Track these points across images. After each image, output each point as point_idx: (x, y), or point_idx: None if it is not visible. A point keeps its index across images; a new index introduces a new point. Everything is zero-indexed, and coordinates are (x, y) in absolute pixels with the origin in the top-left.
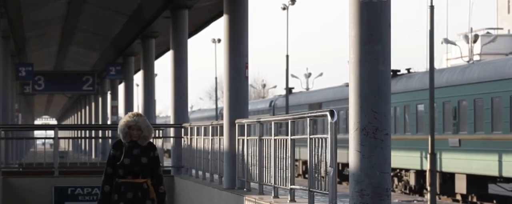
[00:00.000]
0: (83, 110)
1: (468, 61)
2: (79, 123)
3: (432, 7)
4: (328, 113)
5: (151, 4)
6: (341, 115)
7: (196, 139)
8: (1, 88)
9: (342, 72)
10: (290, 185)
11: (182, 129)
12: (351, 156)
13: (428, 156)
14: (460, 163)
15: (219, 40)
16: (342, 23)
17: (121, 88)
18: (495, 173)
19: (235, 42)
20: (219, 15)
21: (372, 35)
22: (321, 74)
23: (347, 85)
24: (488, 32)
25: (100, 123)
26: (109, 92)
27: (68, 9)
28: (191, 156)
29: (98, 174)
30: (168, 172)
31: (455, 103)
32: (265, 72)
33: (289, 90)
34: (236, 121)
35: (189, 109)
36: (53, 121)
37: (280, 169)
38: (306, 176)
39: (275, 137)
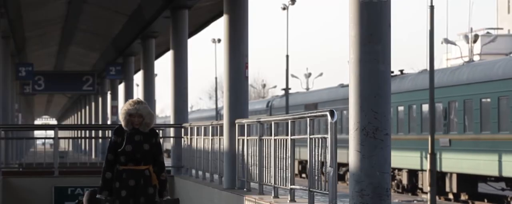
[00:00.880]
0: (83, 110)
1: (468, 61)
2: (79, 123)
3: (432, 7)
4: (328, 113)
5: (151, 4)
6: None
7: (196, 139)
8: (1, 88)
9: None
10: (290, 185)
11: (182, 129)
12: (351, 156)
13: (428, 156)
14: (451, 163)
15: (219, 40)
16: (342, 23)
17: (121, 88)
18: (484, 172)
19: (235, 42)
20: (219, 15)
21: (372, 35)
22: (321, 74)
23: (342, 86)
24: (488, 32)
25: (100, 123)
26: (109, 92)
27: (68, 9)
28: (191, 156)
29: (98, 174)
30: (168, 172)
31: (446, 104)
32: (265, 72)
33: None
34: (236, 121)
35: (189, 109)
36: (53, 121)
37: (280, 169)
38: (303, 175)
39: (275, 137)
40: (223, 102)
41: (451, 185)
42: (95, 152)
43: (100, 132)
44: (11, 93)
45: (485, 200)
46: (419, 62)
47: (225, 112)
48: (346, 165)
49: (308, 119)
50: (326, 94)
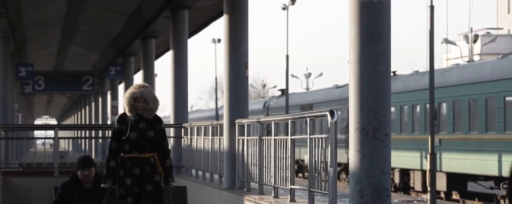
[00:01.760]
0: (83, 110)
1: (468, 61)
2: (79, 123)
3: (432, 7)
4: (328, 113)
5: (151, 4)
6: None
7: (196, 139)
8: (1, 88)
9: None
10: (290, 185)
11: (182, 129)
12: (351, 156)
13: (428, 156)
14: (441, 162)
15: (219, 40)
16: (342, 23)
17: (121, 88)
18: (473, 171)
19: (235, 42)
20: (219, 15)
21: (372, 35)
22: (321, 74)
23: (336, 86)
24: (488, 32)
25: (100, 123)
26: (109, 92)
27: (68, 9)
28: (191, 156)
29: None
30: None
31: (436, 104)
32: (265, 72)
33: (282, 92)
34: (236, 121)
35: (189, 109)
36: (53, 121)
37: (280, 169)
38: (299, 174)
39: (275, 137)
40: (223, 102)
41: (442, 184)
42: (95, 152)
43: (100, 132)
44: (11, 93)
45: (476, 199)
46: (419, 62)
47: (225, 112)
48: (340, 164)
49: (308, 119)
50: (321, 95)
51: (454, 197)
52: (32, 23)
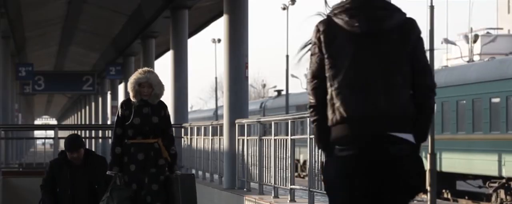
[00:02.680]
0: (83, 110)
1: (468, 61)
2: (79, 123)
3: (432, 7)
4: None
5: (151, 4)
6: None
7: (196, 139)
8: (1, 88)
9: None
10: (290, 185)
11: (182, 129)
12: None
13: (428, 156)
14: (425, 161)
15: (219, 40)
16: None
17: (121, 88)
18: (461, 170)
19: (235, 42)
20: (219, 15)
21: None
22: None
23: None
24: (488, 32)
25: (100, 123)
26: (109, 92)
27: (68, 9)
28: (191, 156)
29: None
30: None
31: None
32: (265, 72)
33: (278, 92)
34: (236, 121)
35: (189, 109)
36: (53, 121)
37: (280, 169)
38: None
39: (275, 137)
40: (223, 102)
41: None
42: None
43: (100, 132)
44: (11, 93)
45: (466, 198)
46: None
47: (225, 112)
48: None
49: (308, 119)
50: None
51: (445, 196)
52: (32, 23)
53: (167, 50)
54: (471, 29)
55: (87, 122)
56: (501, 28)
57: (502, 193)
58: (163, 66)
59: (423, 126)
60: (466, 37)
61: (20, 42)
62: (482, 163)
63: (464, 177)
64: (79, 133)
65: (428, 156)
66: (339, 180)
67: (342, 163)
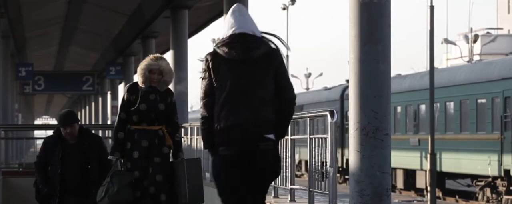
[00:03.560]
0: (83, 110)
1: (468, 61)
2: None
3: (432, 7)
4: (328, 113)
5: (151, 4)
6: None
7: (196, 139)
8: (1, 88)
9: (342, 72)
10: (290, 185)
11: (182, 129)
12: (351, 156)
13: (428, 156)
14: (420, 161)
15: None
16: (342, 23)
17: (121, 88)
18: (450, 169)
19: None
20: (219, 15)
21: (372, 35)
22: (321, 74)
23: (325, 88)
24: (488, 32)
25: (100, 123)
26: (109, 92)
27: (68, 9)
28: (191, 156)
29: None
30: None
31: (415, 106)
32: None
33: None
34: None
35: (189, 109)
36: (53, 121)
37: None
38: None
39: None
40: None
41: (421, 182)
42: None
43: (100, 132)
44: (11, 93)
45: (456, 196)
46: (419, 62)
47: None
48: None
49: (308, 119)
50: (311, 97)
51: (436, 194)
52: (32, 23)
53: (167, 50)
54: (471, 29)
55: (87, 122)
56: (501, 28)
57: (488, 192)
58: None
59: (283, 127)
60: (466, 37)
61: (20, 42)
62: (470, 163)
63: (454, 176)
64: None
65: (428, 156)
66: (221, 171)
67: (223, 159)
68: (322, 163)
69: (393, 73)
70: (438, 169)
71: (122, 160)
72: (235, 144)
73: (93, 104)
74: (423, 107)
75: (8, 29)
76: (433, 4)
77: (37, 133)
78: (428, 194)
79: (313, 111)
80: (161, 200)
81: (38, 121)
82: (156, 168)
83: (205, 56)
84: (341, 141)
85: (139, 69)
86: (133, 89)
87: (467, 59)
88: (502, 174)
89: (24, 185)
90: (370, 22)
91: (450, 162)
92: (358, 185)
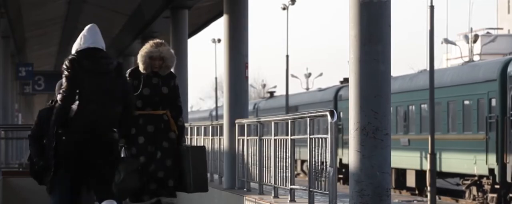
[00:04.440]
0: None
1: (468, 61)
2: None
3: (432, 7)
4: (328, 113)
5: (151, 4)
6: None
7: (196, 139)
8: (1, 88)
9: (342, 72)
10: (290, 185)
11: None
12: (351, 156)
13: (428, 156)
14: (410, 160)
15: (219, 40)
16: (342, 23)
17: None
18: (439, 168)
19: (235, 42)
20: (219, 15)
21: (372, 35)
22: (321, 74)
23: (320, 89)
24: (488, 32)
25: None
26: None
27: (68, 9)
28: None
29: None
30: None
31: (405, 107)
32: (265, 72)
33: (271, 94)
34: (236, 121)
35: (189, 109)
36: None
37: (280, 169)
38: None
39: (275, 137)
40: (223, 102)
41: (411, 181)
42: None
43: None
44: (11, 93)
45: (447, 195)
46: (419, 62)
47: (225, 112)
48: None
49: (308, 119)
50: (306, 98)
51: (427, 193)
52: (32, 23)
53: None
54: (471, 29)
55: None
56: (501, 28)
57: (474, 190)
58: None
59: (127, 125)
60: (466, 37)
61: (20, 42)
62: (458, 162)
63: (443, 175)
64: None
65: (428, 156)
66: (71, 157)
67: (75, 145)
68: (322, 163)
69: (393, 73)
70: (426, 168)
71: (125, 146)
72: (86, 136)
73: None
74: (412, 108)
75: (8, 29)
76: (433, 4)
77: None
78: (428, 194)
79: (313, 111)
80: (169, 186)
81: None
82: (166, 153)
83: (65, 64)
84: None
85: (139, 56)
86: (135, 74)
87: (467, 59)
88: (487, 173)
89: (24, 185)
90: (370, 22)
91: (439, 161)
92: (358, 185)
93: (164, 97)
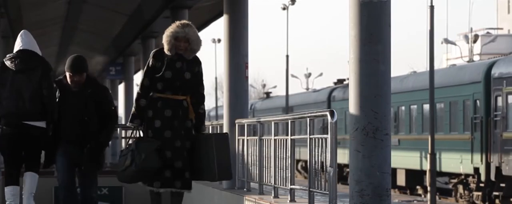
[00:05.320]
0: None
1: (468, 61)
2: None
3: (432, 7)
4: (328, 113)
5: (151, 4)
6: None
7: None
8: None
9: (342, 72)
10: (290, 185)
11: None
12: (351, 156)
13: (428, 156)
14: (400, 160)
15: (219, 40)
16: (342, 23)
17: (121, 88)
18: (427, 167)
19: (235, 42)
20: (219, 15)
21: (372, 35)
22: (321, 74)
23: (314, 90)
24: (488, 32)
25: None
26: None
27: (68, 9)
28: None
29: (99, 175)
30: None
31: (395, 108)
32: (265, 72)
33: (267, 95)
34: (236, 121)
35: None
36: None
37: (280, 169)
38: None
39: (275, 137)
40: (223, 102)
41: (401, 179)
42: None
43: None
44: None
45: (438, 194)
46: (419, 62)
47: (225, 112)
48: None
49: (308, 119)
50: (301, 98)
51: (419, 192)
52: (32, 23)
53: None
54: (471, 29)
55: None
56: (501, 28)
57: (461, 188)
58: None
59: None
60: (466, 37)
61: None
62: (445, 161)
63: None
64: None
65: (428, 156)
66: (4, 147)
67: (5, 137)
68: (322, 163)
69: (393, 73)
70: (419, 168)
71: (141, 128)
72: (12, 127)
73: None
74: (402, 108)
75: (8, 29)
76: (433, 4)
77: None
78: (428, 194)
79: (313, 111)
80: (186, 177)
81: None
82: (184, 142)
83: None
84: None
85: (164, 36)
86: (159, 55)
87: (467, 59)
88: (473, 172)
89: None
90: (370, 22)
91: (426, 161)
92: (358, 185)
93: (186, 82)
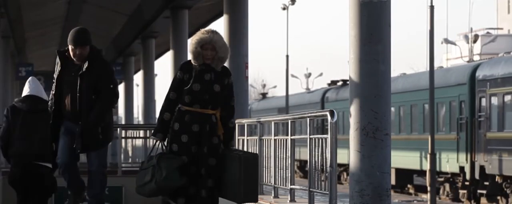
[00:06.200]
0: None
1: (468, 61)
2: None
3: (432, 7)
4: (328, 113)
5: (151, 4)
6: None
7: None
8: (1, 88)
9: (342, 72)
10: (290, 185)
11: None
12: (351, 156)
13: (428, 156)
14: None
15: None
16: (342, 23)
17: (121, 88)
18: (416, 167)
19: (235, 42)
20: (219, 15)
21: (372, 35)
22: (321, 74)
23: (308, 91)
24: (488, 32)
25: None
26: None
27: (68, 9)
28: None
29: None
30: None
31: None
32: (265, 72)
33: (263, 95)
34: (236, 121)
35: None
36: None
37: (280, 169)
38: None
39: (275, 137)
40: None
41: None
42: None
43: None
44: (11, 93)
45: (425, 191)
46: (419, 62)
47: None
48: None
49: (308, 119)
50: (295, 99)
51: (410, 191)
52: (32, 23)
53: (167, 50)
54: (471, 29)
55: None
56: (501, 28)
57: (447, 187)
58: (163, 66)
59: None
60: (466, 37)
61: (20, 42)
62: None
63: (421, 173)
64: None
65: (428, 156)
66: (16, 186)
67: (15, 176)
68: (322, 163)
69: (393, 73)
70: (406, 166)
71: (165, 143)
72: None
73: None
74: (392, 109)
75: (8, 29)
76: (433, 4)
77: None
78: (428, 195)
79: (313, 111)
80: (202, 196)
81: None
82: (204, 159)
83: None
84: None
85: (189, 45)
86: (187, 67)
87: (467, 59)
88: (458, 170)
89: None
90: (370, 22)
91: (416, 160)
92: (358, 185)
93: (215, 95)
